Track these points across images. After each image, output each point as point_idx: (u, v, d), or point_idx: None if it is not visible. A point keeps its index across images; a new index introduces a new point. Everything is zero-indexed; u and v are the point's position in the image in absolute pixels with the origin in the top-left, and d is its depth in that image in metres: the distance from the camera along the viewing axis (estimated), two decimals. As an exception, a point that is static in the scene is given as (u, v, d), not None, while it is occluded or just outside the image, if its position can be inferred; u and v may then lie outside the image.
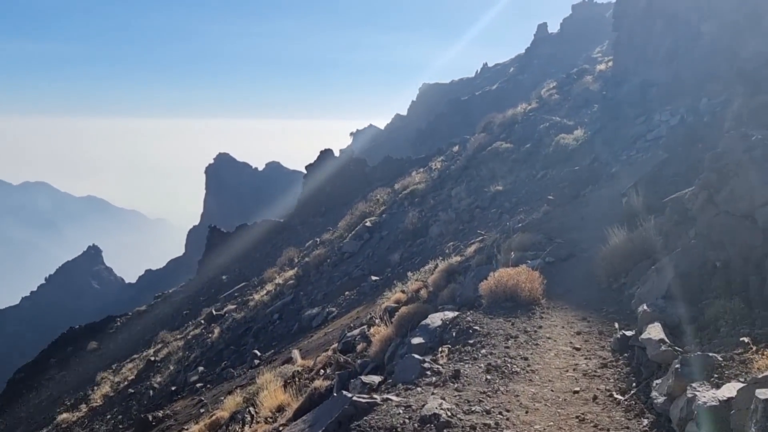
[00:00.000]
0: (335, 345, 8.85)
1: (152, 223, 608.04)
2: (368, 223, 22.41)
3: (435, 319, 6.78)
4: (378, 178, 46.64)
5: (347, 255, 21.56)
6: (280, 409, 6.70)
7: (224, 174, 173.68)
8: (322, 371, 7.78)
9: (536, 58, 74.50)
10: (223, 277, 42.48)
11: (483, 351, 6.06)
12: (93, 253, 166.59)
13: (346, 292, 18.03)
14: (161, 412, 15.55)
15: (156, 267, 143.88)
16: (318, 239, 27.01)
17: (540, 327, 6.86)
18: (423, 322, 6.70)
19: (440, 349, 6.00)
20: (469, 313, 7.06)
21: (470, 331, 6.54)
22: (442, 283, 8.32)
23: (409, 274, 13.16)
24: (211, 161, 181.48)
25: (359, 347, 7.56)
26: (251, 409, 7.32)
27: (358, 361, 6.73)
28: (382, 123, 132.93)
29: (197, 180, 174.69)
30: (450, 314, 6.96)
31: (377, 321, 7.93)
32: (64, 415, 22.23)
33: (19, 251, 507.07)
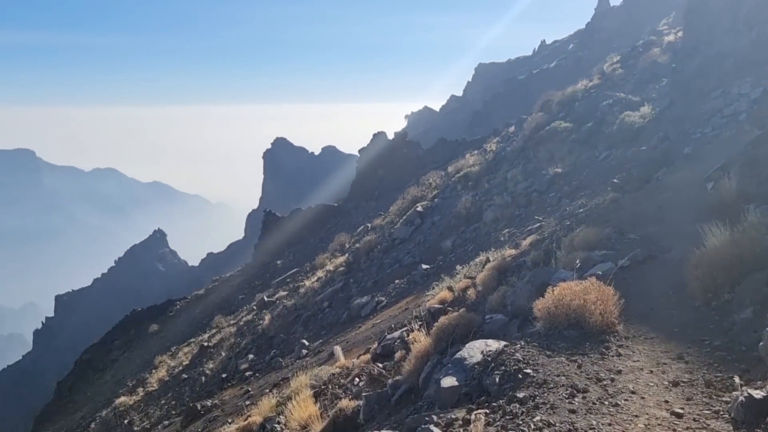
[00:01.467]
0: (375, 346, 8.20)
1: (214, 207, 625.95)
2: (420, 208, 21.66)
3: (474, 352, 5.33)
4: (432, 160, 45.69)
5: (398, 241, 20.91)
6: (306, 426, 6.10)
7: (281, 158, 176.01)
8: (356, 380, 7.13)
9: (597, 33, 71.17)
10: (278, 261, 42.67)
11: (537, 417, 4.23)
12: (158, 236, 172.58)
13: (396, 280, 17.41)
14: (210, 401, 15.43)
15: (217, 250, 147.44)
16: (369, 224, 26.47)
17: (619, 372, 4.95)
18: (459, 355, 5.37)
19: (475, 415, 4.36)
20: (519, 346, 5.39)
21: (519, 375, 4.87)
22: (492, 283, 7.38)
23: (458, 267, 12.30)
24: (269, 146, 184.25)
25: (397, 355, 6.80)
26: (281, 418, 6.80)
27: (389, 381, 5.90)
28: (437, 105, 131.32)
29: (256, 164, 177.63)
30: (493, 344, 5.46)
31: (416, 327, 7.19)
32: (123, 398, 22.66)
33: (91, 235, 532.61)
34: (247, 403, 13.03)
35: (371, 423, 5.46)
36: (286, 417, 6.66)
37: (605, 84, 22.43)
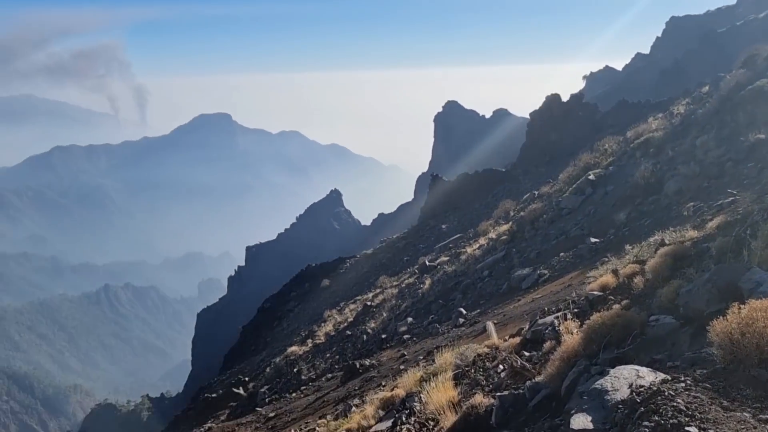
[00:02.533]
0: (526, 328, 7.59)
1: (386, 169, 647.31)
2: (591, 176, 20.12)
3: (620, 383, 4.04)
4: (610, 125, 42.46)
5: (565, 211, 19.67)
6: (440, 413, 5.80)
7: (452, 122, 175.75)
8: (501, 366, 6.62)
9: (824, -27, 60.25)
10: (443, 226, 42.83)
11: None
12: (334, 196, 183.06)
13: (561, 253, 16.41)
14: (368, 360, 15.93)
15: (387, 211, 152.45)
16: (536, 192, 25.30)
17: None
18: (599, 384, 4.13)
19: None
20: (683, 385, 3.92)
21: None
22: (664, 272, 6.27)
23: (628, 247, 10.95)
24: (440, 109, 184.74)
25: (546, 345, 6.14)
26: (422, 395, 6.60)
27: (528, 384, 5.25)
28: (620, 64, 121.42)
29: (428, 128, 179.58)
30: (648, 376, 4.07)
31: (570, 315, 6.43)
32: (294, 348, 24.39)
33: (276, 193, 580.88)
34: (402, 367, 13.18)
35: (504, 428, 4.97)
36: (425, 397, 6.47)
37: (831, 33, 18.80)
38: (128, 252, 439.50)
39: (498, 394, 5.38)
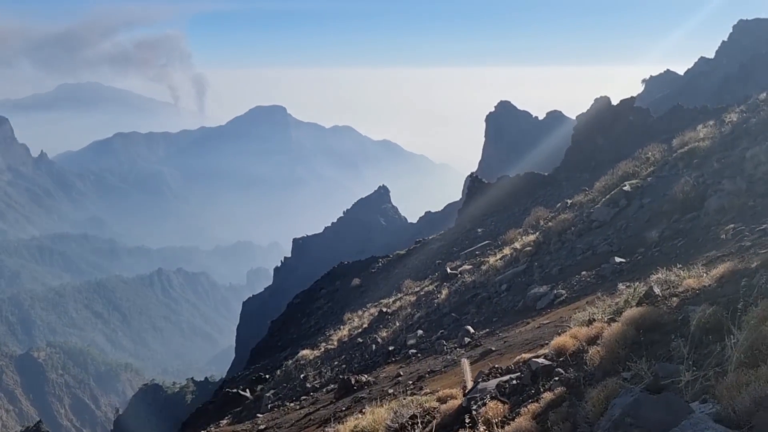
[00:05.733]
0: (469, 387, 6.18)
1: (437, 167, 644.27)
2: (627, 187, 18.40)
3: None
4: (663, 130, 39.92)
5: (596, 224, 18.04)
6: None
7: (504, 122, 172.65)
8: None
9: None
10: (479, 230, 41.32)
11: None
12: (382, 192, 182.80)
13: (584, 272, 14.90)
14: (366, 376, 14.90)
15: (435, 209, 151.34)
16: (568, 201, 23.63)
17: None
18: None
19: None
20: None
21: None
22: (620, 349, 4.45)
23: (621, 287, 9.04)
24: (492, 109, 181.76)
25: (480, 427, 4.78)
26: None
27: None
28: (682, 69, 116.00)
29: (480, 127, 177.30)
30: None
31: (507, 387, 5.01)
32: (305, 351, 23.57)
33: (327, 186, 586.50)
34: (391, 391, 12.09)
35: None
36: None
37: None
38: (181, 238, 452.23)
39: None
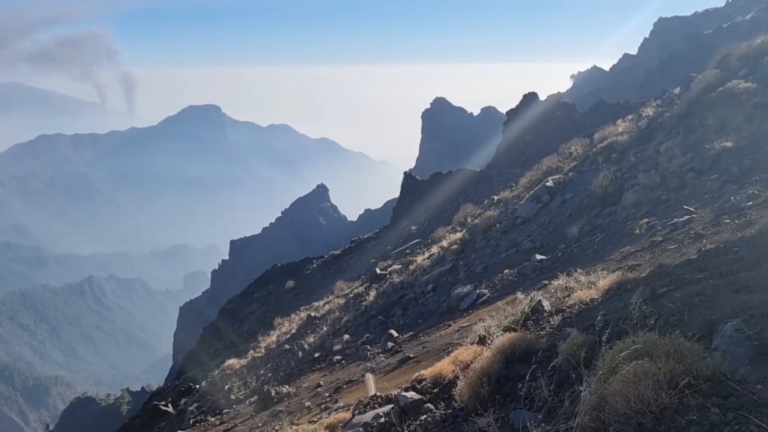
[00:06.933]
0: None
1: (376, 165, 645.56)
2: (550, 183, 18.46)
3: None
4: (589, 125, 40.90)
5: (520, 220, 18.00)
6: None
7: (440, 119, 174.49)
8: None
9: (814, -26, 58.96)
10: (413, 227, 41.22)
11: None
12: (321, 191, 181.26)
13: (506, 270, 14.76)
14: (287, 387, 14.26)
15: (375, 207, 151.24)
16: (494, 197, 23.65)
17: None
18: None
19: None
20: None
21: None
22: (482, 386, 3.91)
23: (555, 281, 8.74)
24: (428, 106, 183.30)
25: None
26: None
27: None
28: (608, 64, 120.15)
29: (418, 124, 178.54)
30: None
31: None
32: (232, 361, 22.66)
33: (266, 187, 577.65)
34: (308, 404, 11.52)
35: None
36: None
37: (811, 31, 17.22)
38: (113, 243, 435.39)
39: None
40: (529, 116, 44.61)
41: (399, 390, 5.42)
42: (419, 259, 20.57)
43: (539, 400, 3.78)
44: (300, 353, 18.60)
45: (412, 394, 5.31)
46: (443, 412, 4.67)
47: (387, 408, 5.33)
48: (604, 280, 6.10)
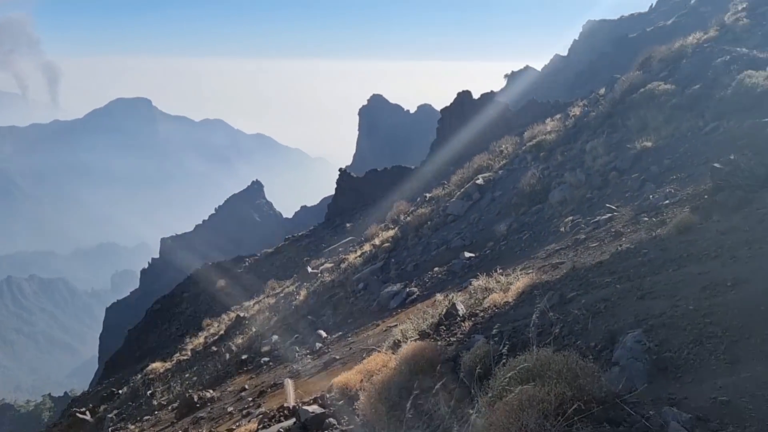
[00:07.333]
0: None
1: (313, 161, 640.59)
2: (480, 180, 18.59)
3: None
4: (521, 124, 41.82)
5: (451, 218, 18.04)
6: None
7: (377, 115, 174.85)
8: None
9: (728, -16, 62.36)
10: (348, 224, 40.94)
11: None
12: (256, 187, 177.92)
13: (436, 268, 14.71)
14: (210, 392, 13.70)
15: (311, 204, 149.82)
16: (426, 194, 23.68)
17: None
18: None
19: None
20: None
21: None
22: (381, 403, 3.82)
23: (475, 281, 8.66)
24: (365, 102, 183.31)
25: None
26: None
27: None
28: (541, 65, 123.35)
29: (355, 121, 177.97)
30: None
31: None
32: (156, 365, 21.73)
33: (199, 183, 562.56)
34: (230, 409, 11.05)
35: None
36: None
37: (724, 37, 18.01)
38: (35, 242, 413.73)
39: None
40: (463, 115, 45.13)
41: (301, 403, 5.12)
42: (351, 257, 20.31)
43: (438, 419, 3.57)
44: (227, 355, 18.00)
45: (314, 408, 5.04)
46: (345, 428, 4.43)
47: (290, 422, 5.05)
48: (519, 281, 6.01)
